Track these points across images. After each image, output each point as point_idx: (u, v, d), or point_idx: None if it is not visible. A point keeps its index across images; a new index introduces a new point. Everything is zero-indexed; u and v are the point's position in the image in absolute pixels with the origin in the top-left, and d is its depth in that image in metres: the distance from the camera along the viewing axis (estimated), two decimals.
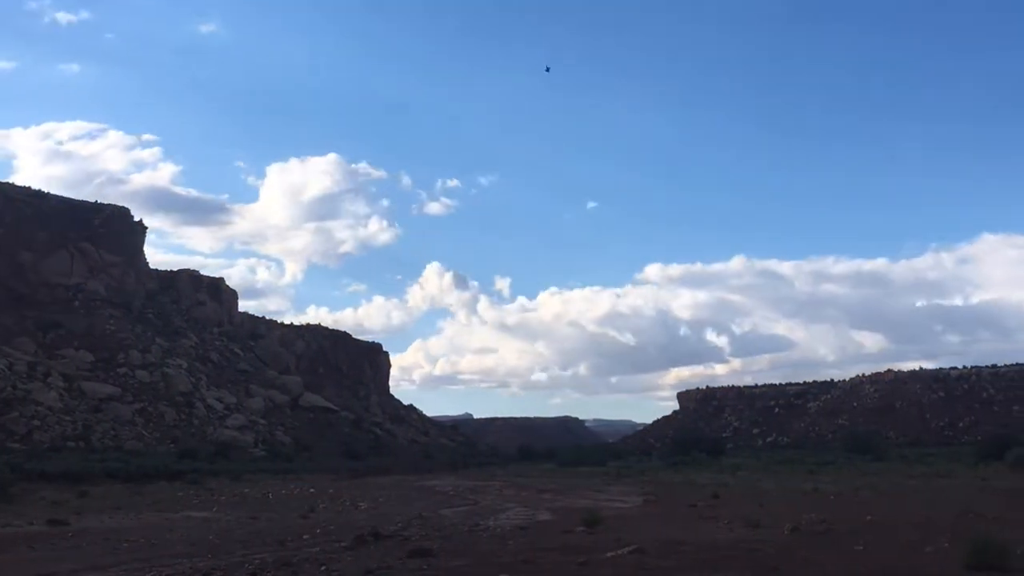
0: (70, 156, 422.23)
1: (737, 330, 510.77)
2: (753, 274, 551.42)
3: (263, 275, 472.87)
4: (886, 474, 75.05)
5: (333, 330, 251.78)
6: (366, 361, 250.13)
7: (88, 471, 76.65)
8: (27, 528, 38.71)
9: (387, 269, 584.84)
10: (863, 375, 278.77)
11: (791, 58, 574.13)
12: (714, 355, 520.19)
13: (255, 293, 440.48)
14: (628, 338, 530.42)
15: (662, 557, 24.54)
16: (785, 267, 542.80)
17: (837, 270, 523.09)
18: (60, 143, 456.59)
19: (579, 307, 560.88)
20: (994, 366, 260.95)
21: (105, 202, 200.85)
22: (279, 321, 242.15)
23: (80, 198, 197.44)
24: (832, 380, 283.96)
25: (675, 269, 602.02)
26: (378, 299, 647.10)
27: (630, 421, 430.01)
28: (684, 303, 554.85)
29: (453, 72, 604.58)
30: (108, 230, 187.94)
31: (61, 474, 72.46)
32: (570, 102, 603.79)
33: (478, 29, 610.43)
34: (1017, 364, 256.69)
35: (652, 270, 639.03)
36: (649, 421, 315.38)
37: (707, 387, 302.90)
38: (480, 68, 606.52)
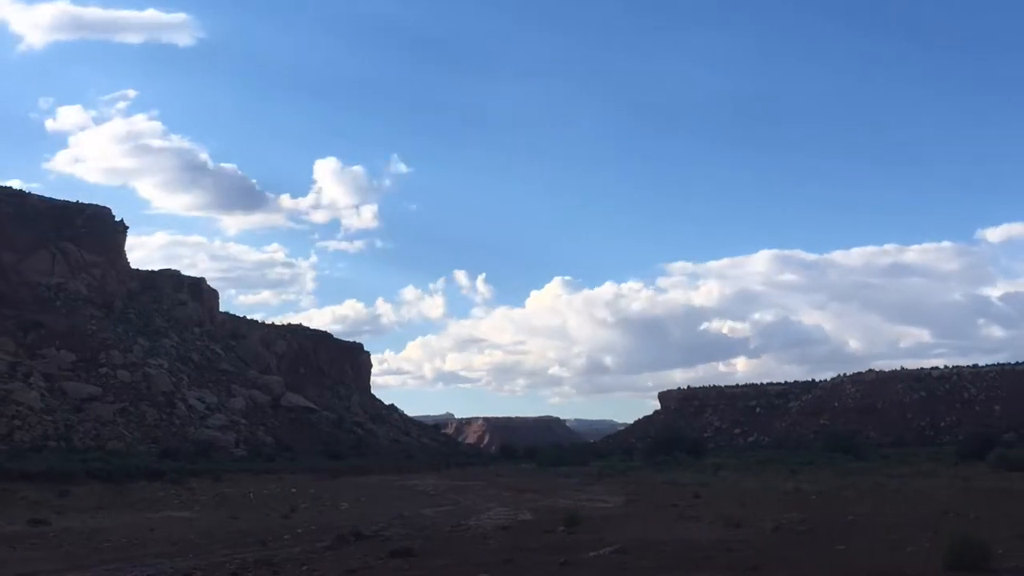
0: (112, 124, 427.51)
1: (766, 324, 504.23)
2: (788, 267, 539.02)
3: (302, 264, 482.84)
4: (867, 474, 75.08)
5: (315, 330, 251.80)
6: (347, 361, 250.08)
7: (69, 471, 76.47)
8: (8, 528, 38.63)
9: (416, 262, 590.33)
10: (844, 375, 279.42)
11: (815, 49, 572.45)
12: (743, 350, 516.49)
13: (287, 281, 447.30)
14: (651, 334, 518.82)
15: (643, 557, 24.61)
16: (818, 259, 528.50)
17: (874, 261, 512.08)
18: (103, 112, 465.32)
19: (599, 302, 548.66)
20: (975, 366, 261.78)
21: (87, 202, 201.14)
22: (261, 321, 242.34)
23: (61, 199, 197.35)
24: (813, 380, 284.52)
25: (700, 263, 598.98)
26: (409, 291, 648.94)
27: (611, 421, 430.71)
28: (711, 296, 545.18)
29: (481, 66, 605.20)
30: (89, 230, 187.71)
31: (42, 474, 72.28)
32: (593, 94, 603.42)
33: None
34: (998, 364, 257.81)
35: (676, 265, 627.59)
36: (631, 421, 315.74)
37: (687, 387, 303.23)
38: (506, 63, 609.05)
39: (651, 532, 32.06)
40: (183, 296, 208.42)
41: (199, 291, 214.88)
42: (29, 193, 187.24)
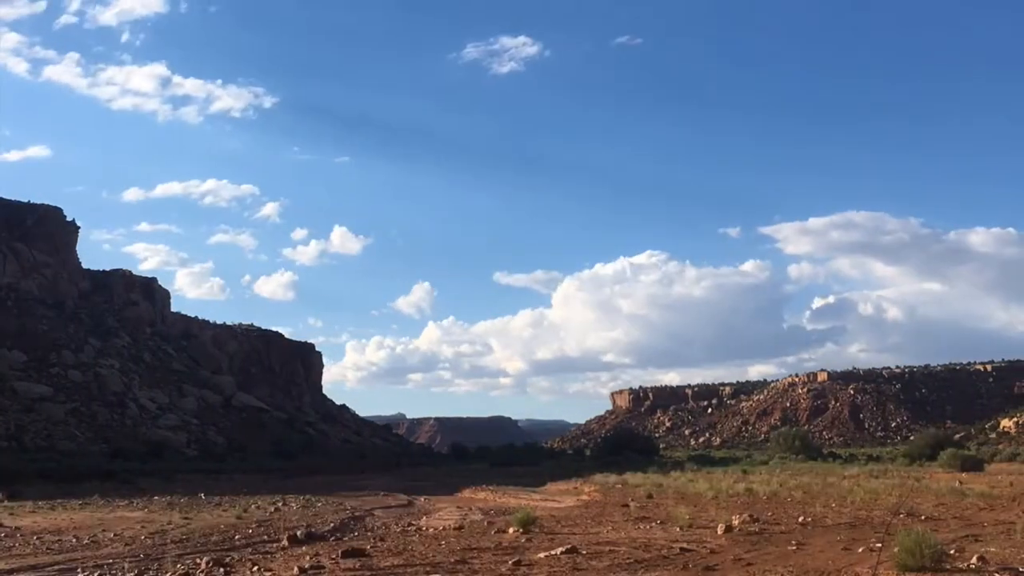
0: None
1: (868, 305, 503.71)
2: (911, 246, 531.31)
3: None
4: (820, 474, 75.49)
5: (265, 330, 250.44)
6: (299, 361, 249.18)
7: (21, 471, 76.17)
8: None
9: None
10: (795, 376, 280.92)
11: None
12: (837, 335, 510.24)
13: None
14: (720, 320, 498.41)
15: (595, 557, 24.65)
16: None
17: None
18: None
19: (655, 283, 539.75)
20: (927, 366, 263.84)
21: (38, 202, 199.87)
22: (212, 321, 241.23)
23: (12, 198, 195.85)
24: (765, 380, 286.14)
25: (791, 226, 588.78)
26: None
27: (563, 421, 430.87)
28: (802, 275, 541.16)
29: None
30: (41, 230, 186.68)
31: None
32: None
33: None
34: (950, 363, 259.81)
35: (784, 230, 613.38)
36: (583, 421, 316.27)
37: (639, 387, 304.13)
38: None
39: (603, 532, 32.14)
40: (135, 296, 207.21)
41: (151, 291, 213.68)
42: None
